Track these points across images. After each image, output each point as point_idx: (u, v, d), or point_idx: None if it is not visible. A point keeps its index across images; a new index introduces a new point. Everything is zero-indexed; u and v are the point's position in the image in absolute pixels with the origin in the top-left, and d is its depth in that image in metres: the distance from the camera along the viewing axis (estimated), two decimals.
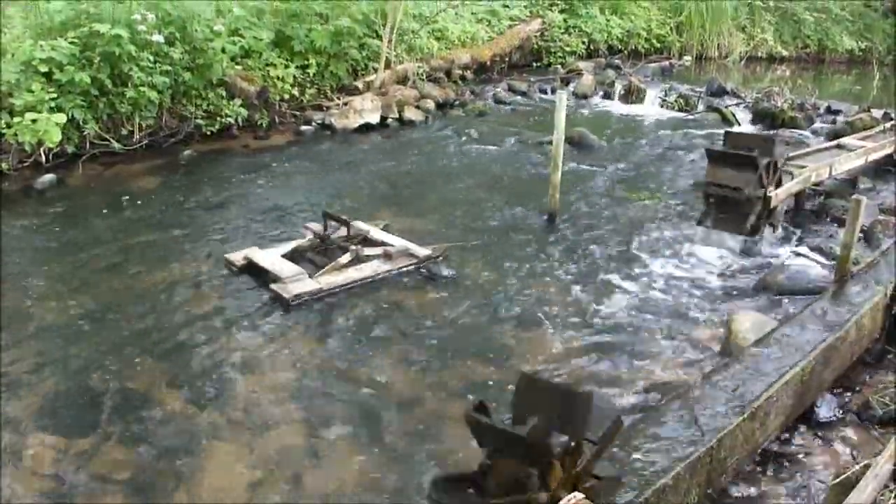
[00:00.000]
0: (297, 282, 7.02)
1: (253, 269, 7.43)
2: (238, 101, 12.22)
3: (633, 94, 16.68)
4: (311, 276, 7.16)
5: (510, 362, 6.16)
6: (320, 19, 13.91)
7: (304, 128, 12.94)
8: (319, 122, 13.16)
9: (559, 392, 3.45)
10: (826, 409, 5.59)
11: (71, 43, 10.29)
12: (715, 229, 8.62)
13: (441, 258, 7.81)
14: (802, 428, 5.39)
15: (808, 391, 5.33)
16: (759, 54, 24.32)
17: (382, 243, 7.87)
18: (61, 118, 9.81)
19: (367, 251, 7.66)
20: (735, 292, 7.65)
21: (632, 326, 6.84)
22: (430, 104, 14.59)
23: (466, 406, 3.77)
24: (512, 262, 8.05)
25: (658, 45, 22.00)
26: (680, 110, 16.07)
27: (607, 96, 17.05)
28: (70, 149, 10.39)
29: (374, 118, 13.35)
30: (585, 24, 20.27)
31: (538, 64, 19.23)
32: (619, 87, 17.16)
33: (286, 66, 13.15)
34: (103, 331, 6.39)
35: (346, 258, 7.48)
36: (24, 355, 5.99)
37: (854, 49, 27.03)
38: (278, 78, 12.96)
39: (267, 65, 13.00)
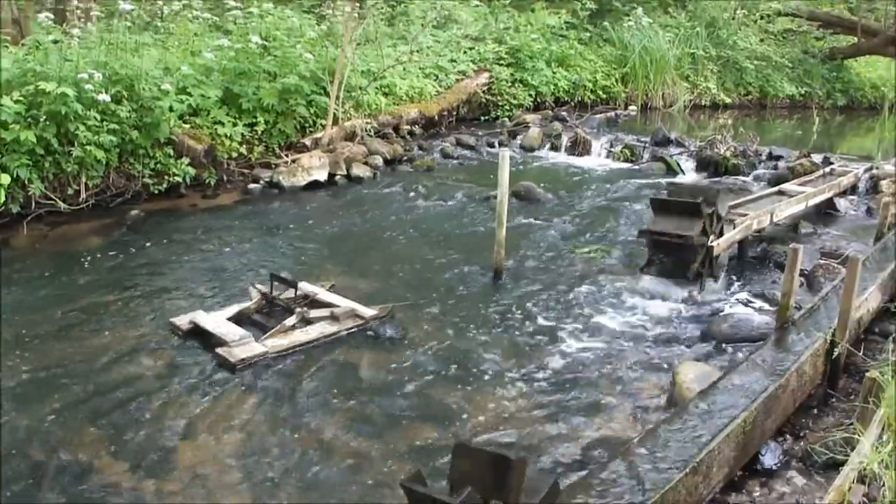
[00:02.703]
0: (243, 345, 6.97)
1: (199, 333, 7.36)
2: (186, 160, 12.17)
3: (579, 146, 16.92)
4: (256, 340, 7.12)
5: (456, 422, 6.16)
6: (268, 77, 13.97)
7: (252, 186, 12.94)
8: (267, 180, 13.15)
9: (493, 460, 3.46)
10: (770, 458, 5.63)
11: (16, 101, 10.21)
12: (658, 277, 8.75)
13: (387, 318, 7.80)
14: (747, 477, 5.43)
15: (750, 441, 5.38)
16: (703, 102, 24.85)
17: (329, 304, 7.85)
18: (5, 178, 9.72)
19: (314, 313, 7.63)
20: (681, 342, 7.72)
21: (578, 381, 6.86)
22: (379, 160, 14.66)
23: (407, 473, 3.76)
24: (458, 319, 8.07)
25: (604, 96, 22.34)
26: (626, 160, 16.33)
27: (554, 148, 17.24)
28: (14, 209, 10.26)
29: (322, 175, 13.39)
30: (532, 76, 20.51)
31: (486, 117, 19.40)
32: (565, 139, 17.38)
33: (234, 125, 13.13)
34: (45, 398, 6.27)
35: (292, 320, 7.45)
36: None
37: (795, 94, 27.78)
38: (226, 136, 12.93)
39: (215, 123, 12.97)
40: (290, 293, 7.93)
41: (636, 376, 6.98)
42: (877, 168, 14.18)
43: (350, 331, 7.57)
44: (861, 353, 6.80)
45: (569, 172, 15.45)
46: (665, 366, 7.14)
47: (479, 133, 17.80)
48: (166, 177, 12.05)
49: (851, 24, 29.91)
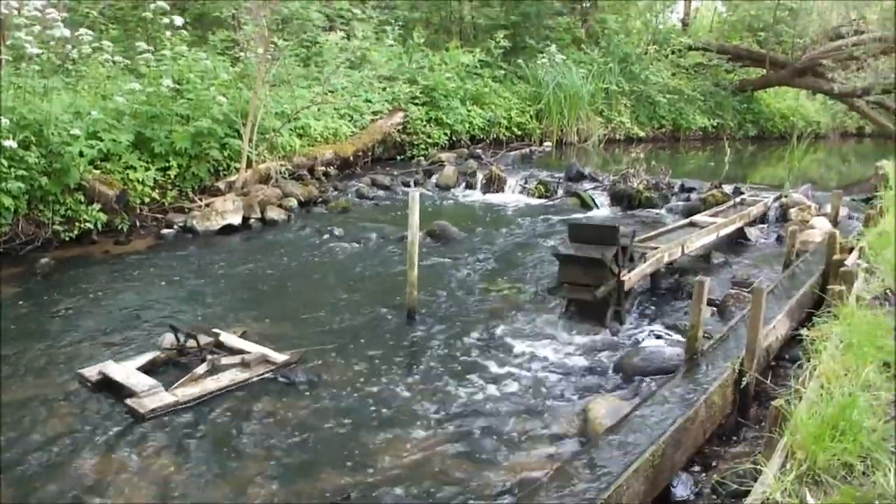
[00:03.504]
0: (153, 395, 6.82)
1: (108, 384, 7.18)
2: (97, 206, 12.01)
3: (494, 183, 17.13)
4: (167, 389, 6.97)
5: (370, 467, 6.09)
6: (181, 120, 13.85)
7: (165, 231, 12.81)
8: (181, 224, 13.04)
9: None
10: (682, 489, 5.66)
11: None
12: (566, 298, 8.90)
13: (299, 363, 7.73)
14: None
15: (661, 474, 5.41)
16: (618, 136, 25.40)
17: (240, 351, 7.75)
18: None
19: (225, 360, 7.52)
20: (593, 377, 7.77)
21: (491, 421, 6.83)
22: (293, 202, 14.67)
23: None
24: (371, 362, 8.01)
25: (519, 133, 22.65)
26: (540, 197, 16.56)
27: (469, 186, 17.48)
28: None
29: (237, 219, 13.32)
30: (447, 115, 20.71)
31: (402, 157, 19.59)
32: (480, 177, 17.60)
33: (146, 169, 13.02)
34: None
35: (202, 368, 7.33)
36: None
37: (707, 126, 28.58)
38: (138, 181, 12.81)
39: (127, 168, 12.84)
40: (203, 340, 7.81)
41: (549, 413, 6.98)
42: (785, 197, 14.58)
43: (262, 377, 7.47)
44: (770, 381, 6.90)
45: (484, 210, 15.64)
46: (577, 401, 7.17)
47: (395, 173, 17.97)
48: (77, 223, 11.88)
49: (760, 56, 30.93)
